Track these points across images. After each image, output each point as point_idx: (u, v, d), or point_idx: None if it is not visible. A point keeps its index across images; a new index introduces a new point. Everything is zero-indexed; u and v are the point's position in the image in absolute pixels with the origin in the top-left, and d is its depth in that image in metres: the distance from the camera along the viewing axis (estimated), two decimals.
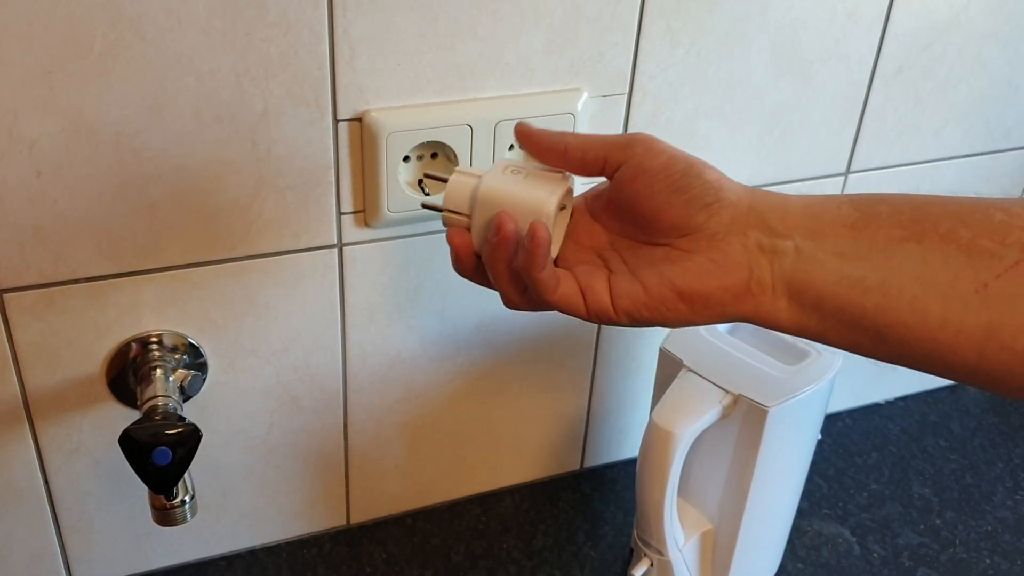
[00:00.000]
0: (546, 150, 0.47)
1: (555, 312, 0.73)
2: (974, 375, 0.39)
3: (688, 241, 0.43)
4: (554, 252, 0.47)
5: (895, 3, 0.69)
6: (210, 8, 0.52)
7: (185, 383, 0.62)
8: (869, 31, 0.70)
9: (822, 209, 0.42)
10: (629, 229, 0.46)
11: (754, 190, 0.44)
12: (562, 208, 0.47)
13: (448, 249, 0.49)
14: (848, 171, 0.76)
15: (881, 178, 0.78)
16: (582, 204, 0.49)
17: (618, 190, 0.46)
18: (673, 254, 0.44)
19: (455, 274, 0.54)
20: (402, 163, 0.60)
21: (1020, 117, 0.81)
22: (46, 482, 0.64)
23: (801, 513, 0.75)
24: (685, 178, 0.43)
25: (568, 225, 0.48)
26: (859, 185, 0.77)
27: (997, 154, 0.82)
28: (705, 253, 0.43)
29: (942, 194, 0.42)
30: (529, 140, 0.47)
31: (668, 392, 0.62)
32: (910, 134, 0.77)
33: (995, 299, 0.37)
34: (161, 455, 0.54)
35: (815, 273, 0.41)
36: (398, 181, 0.60)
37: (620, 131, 0.66)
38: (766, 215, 0.42)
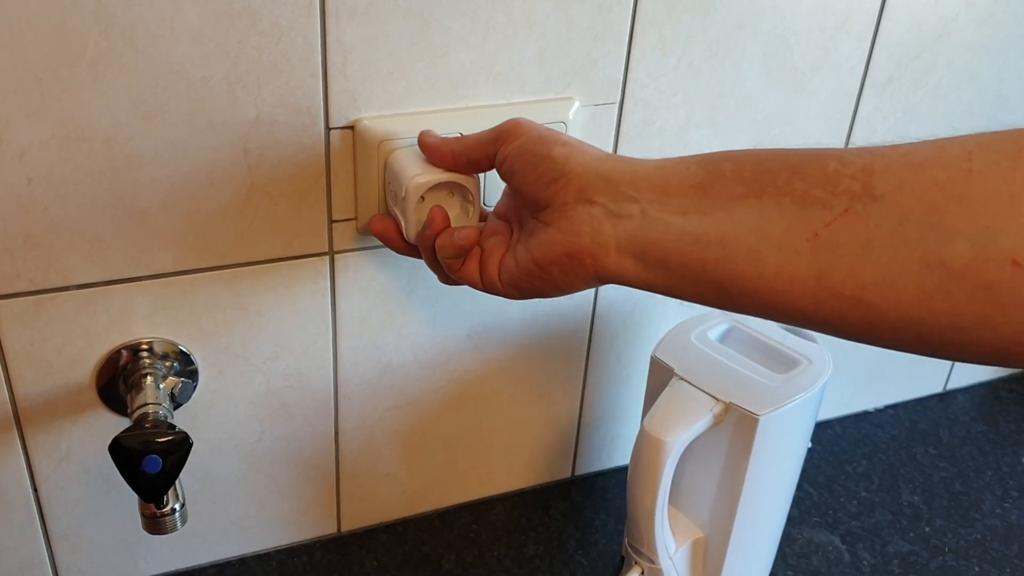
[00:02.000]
0: (440, 158, 0.54)
1: (547, 320, 0.73)
2: (811, 320, 0.40)
3: (546, 214, 0.48)
4: (409, 234, 0.56)
5: (885, 14, 0.70)
6: (202, 16, 0.52)
7: (176, 391, 0.62)
8: (859, 41, 0.70)
9: (671, 171, 0.44)
10: (519, 206, 0.52)
11: (610, 158, 0.47)
12: (451, 195, 0.56)
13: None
14: None
15: None
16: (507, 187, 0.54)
17: (502, 175, 0.51)
18: (535, 226, 0.49)
19: None
20: None
21: (1009, 127, 0.81)
22: (35, 490, 0.63)
23: (791, 521, 0.75)
24: (535, 157, 0.48)
25: (499, 204, 0.55)
26: None
27: None
28: (556, 224, 0.47)
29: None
30: (426, 150, 0.55)
31: (659, 400, 0.62)
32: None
33: (824, 247, 0.39)
34: (151, 463, 0.53)
35: (658, 231, 0.43)
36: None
37: (612, 139, 0.67)
38: (616, 180, 0.45)
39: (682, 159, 0.45)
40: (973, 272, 0.35)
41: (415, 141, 0.59)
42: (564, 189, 0.46)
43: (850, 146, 0.75)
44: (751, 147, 0.71)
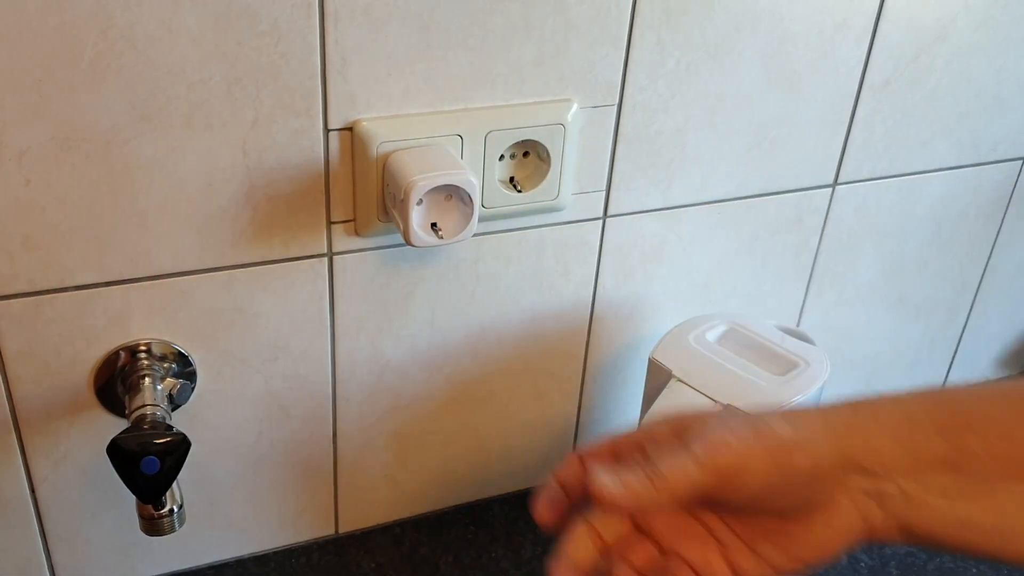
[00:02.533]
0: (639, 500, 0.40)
1: (544, 322, 0.73)
2: None
3: (801, 512, 0.42)
4: (407, 236, 0.53)
5: (883, 16, 0.70)
6: (201, 18, 0.52)
7: (174, 392, 0.62)
8: (857, 44, 0.70)
9: (913, 444, 0.40)
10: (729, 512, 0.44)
11: (829, 425, 0.41)
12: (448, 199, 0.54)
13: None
14: (836, 182, 0.77)
15: (868, 189, 0.78)
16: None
17: (722, 504, 0.42)
18: (788, 527, 0.42)
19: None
20: None
21: (1006, 130, 0.81)
22: (32, 491, 0.63)
23: None
24: (784, 483, 0.40)
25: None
26: (847, 196, 0.78)
27: (983, 166, 0.83)
28: (819, 519, 0.41)
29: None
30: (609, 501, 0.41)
31: (657, 402, 0.62)
32: (897, 146, 0.77)
33: None
34: (149, 464, 0.53)
35: (925, 516, 0.41)
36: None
37: (610, 142, 0.67)
38: (858, 459, 0.41)
39: (913, 421, 0.41)
40: None
41: (414, 143, 0.59)
42: (820, 490, 0.41)
43: (848, 150, 0.75)
44: (748, 149, 0.71)
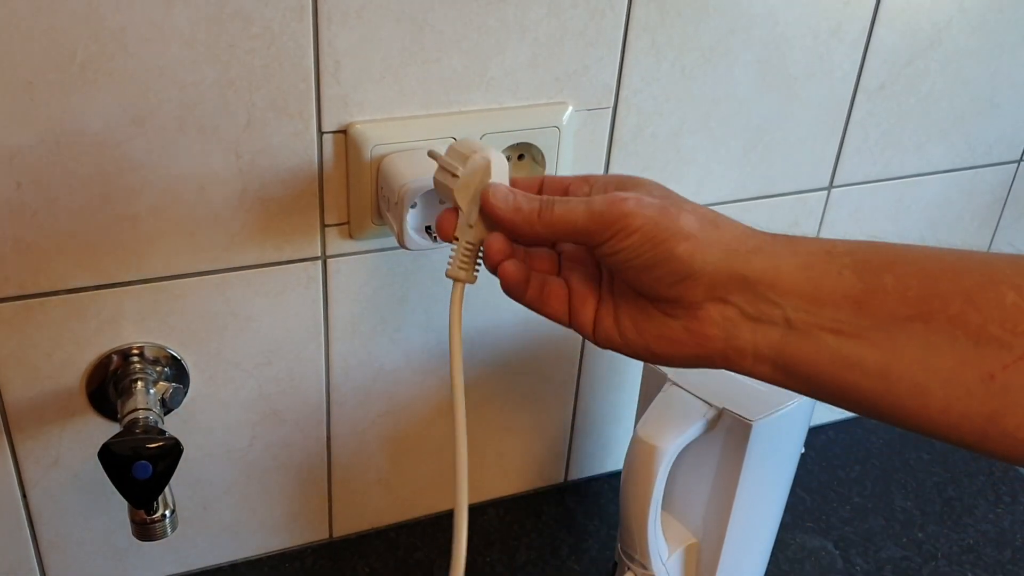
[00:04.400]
0: (517, 227, 0.45)
1: (539, 325, 0.73)
2: (971, 450, 0.38)
3: (668, 307, 0.42)
4: (401, 240, 0.52)
5: (878, 20, 0.70)
6: (193, 20, 0.51)
7: (166, 396, 0.61)
8: (853, 48, 0.70)
9: (821, 274, 0.39)
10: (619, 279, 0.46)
11: (745, 248, 0.41)
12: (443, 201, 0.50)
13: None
14: (831, 185, 0.77)
15: (864, 192, 0.78)
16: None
17: (607, 267, 0.46)
18: (652, 311, 0.43)
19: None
20: None
21: (1000, 133, 0.81)
22: (24, 496, 0.63)
23: (784, 526, 0.75)
24: (654, 259, 0.41)
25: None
26: (842, 200, 0.78)
27: (978, 169, 0.83)
28: (682, 320, 0.42)
29: (940, 246, 0.39)
30: (499, 214, 0.45)
31: (652, 406, 0.62)
32: (892, 149, 0.77)
33: (1000, 390, 0.36)
34: (141, 469, 0.53)
35: (808, 349, 0.39)
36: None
37: (605, 145, 0.66)
38: (753, 280, 0.40)
39: (831, 255, 0.39)
40: None
41: (408, 146, 0.59)
42: (692, 289, 0.41)
43: (843, 154, 0.75)
44: (743, 153, 0.71)
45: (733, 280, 0.40)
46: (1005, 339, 0.36)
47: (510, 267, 0.45)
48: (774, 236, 0.42)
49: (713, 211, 0.43)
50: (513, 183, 0.48)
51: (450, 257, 0.48)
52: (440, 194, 0.49)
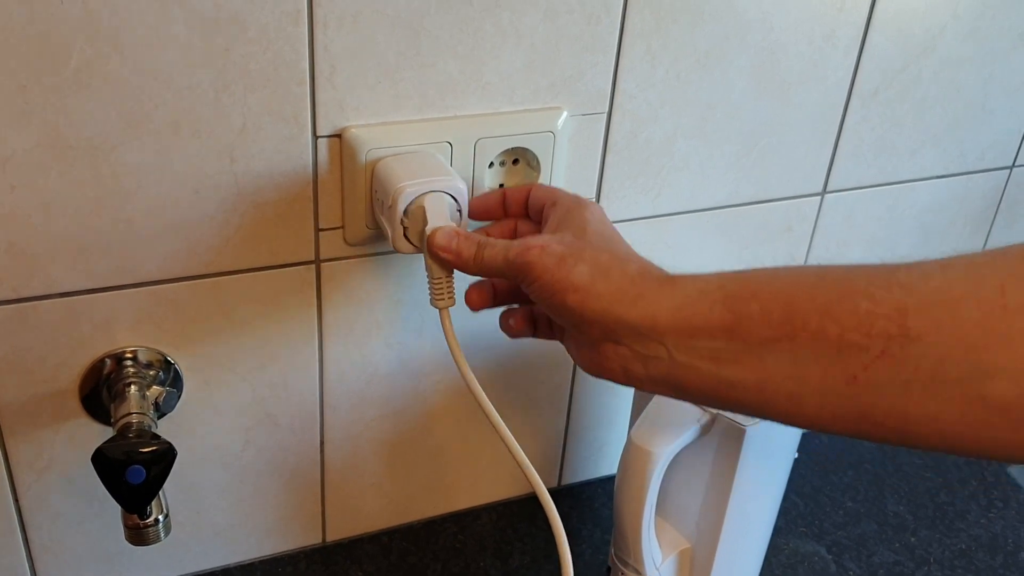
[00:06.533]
0: (460, 259, 0.53)
1: None
2: (855, 438, 0.42)
3: (576, 335, 0.49)
4: (394, 243, 0.58)
5: (872, 26, 0.70)
6: (189, 24, 0.51)
7: (160, 400, 0.61)
8: (846, 54, 0.71)
9: (693, 312, 0.43)
10: None
11: (627, 294, 0.45)
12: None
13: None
14: (825, 191, 0.77)
15: (857, 197, 0.79)
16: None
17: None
18: (573, 337, 0.50)
19: None
20: None
21: (993, 139, 0.82)
22: (16, 500, 0.63)
23: (778, 531, 0.75)
24: (551, 307, 0.48)
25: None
26: (836, 205, 0.78)
27: (971, 175, 0.83)
28: (587, 350, 0.48)
29: (829, 263, 0.43)
30: (442, 249, 0.54)
31: (646, 411, 0.62)
32: (886, 155, 0.78)
33: (864, 389, 0.39)
34: (135, 473, 0.53)
35: (692, 377, 0.44)
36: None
37: (600, 150, 0.67)
38: (636, 325, 0.45)
39: (704, 293, 0.44)
40: (1017, 407, 0.36)
41: (402, 150, 0.59)
42: (587, 331, 0.47)
43: (837, 159, 0.75)
44: (737, 158, 0.71)
45: (620, 325, 0.45)
46: (862, 343, 0.38)
47: (472, 294, 0.56)
48: (660, 280, 0.46)
49: (614, 255, 0.48)
50: (484, 198, 0.59)
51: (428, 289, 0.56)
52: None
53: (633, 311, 0.45)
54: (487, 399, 0.57)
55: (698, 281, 0.45)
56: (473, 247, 0.51)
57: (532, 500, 0.82)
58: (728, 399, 0.43)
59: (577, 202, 0.54)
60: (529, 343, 0.73)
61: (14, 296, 0.56)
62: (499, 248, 0.50)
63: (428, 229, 0.55)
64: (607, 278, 0.46)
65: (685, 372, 0.44)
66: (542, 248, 0.48)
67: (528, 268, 0.48)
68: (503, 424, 0.58)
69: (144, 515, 0.56)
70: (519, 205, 0.59)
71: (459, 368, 0.57)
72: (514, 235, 0.59)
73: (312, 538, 0.76)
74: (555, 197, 0.56)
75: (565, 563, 0.57)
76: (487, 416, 0.57)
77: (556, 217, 0.54)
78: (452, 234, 0.53)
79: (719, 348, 0.42)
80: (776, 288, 0.42)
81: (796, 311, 0.40)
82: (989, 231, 0.89)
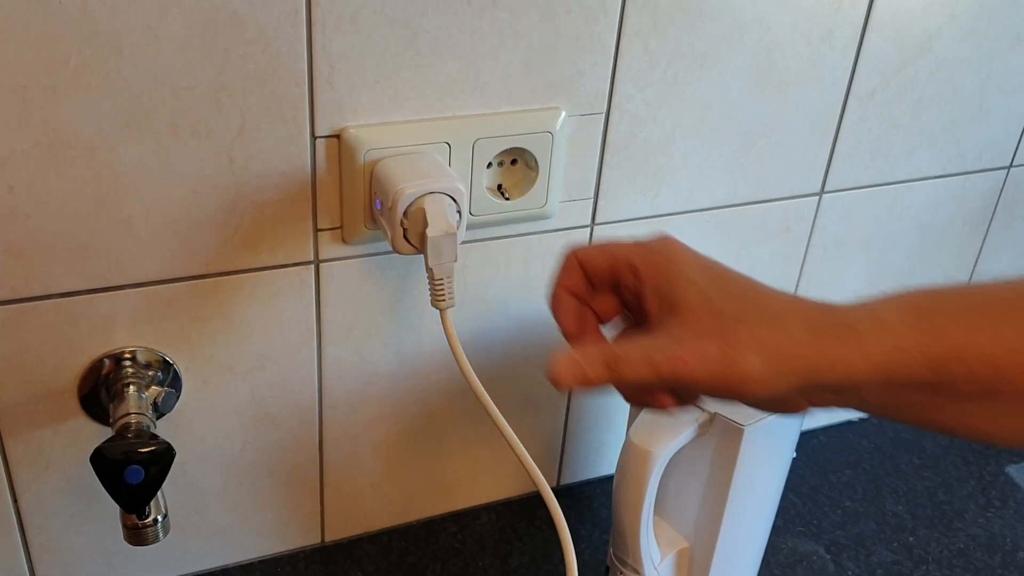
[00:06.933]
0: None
1: (532, 330, 0.73)
2: None
3: None
4: (394, 244, 0.57)
5: (869, 27, 0.70)
6: (188, 24, 0.52)
7: (159, 400, 0.61)
8: (844, 54, 0.71)
9: (895, 372, 0.41)
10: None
11: (813, 369, 0.42)
12: None
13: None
14: (822, 191, 0.77)
15: (855, 198, 0.79)
16: None
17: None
18: None
19: None
20: None
21: (990, 140, 0.82)
22: (15, 500, 0.63)
23: (776, 530, 0.75)
24: (728, 399, 0.44)
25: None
26: (833, 205, 0.78)
27: (968, 175, 0.83)
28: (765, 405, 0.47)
29: (993, 283, 0.43)
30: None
31: (644, 410, 0.62)
32: (883, 155, 0.78)
33: None
34: (133, 473, 0.53)
35: (887, 413, 0.45)
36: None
37: (598, 150, 0.67)
38: (831, 386, 0.43)
39: (901, 351, 0.41)
40: None
41: (401, 150, 0.59)
42: (775, 407, 0.47)
43: (835, 159, 0.75)
44: (735, 158, 0.71)
45: (811, 388, 0.42)
46: None
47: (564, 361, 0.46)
48: (840, 334, 0.42)
49: (766, 318, 0.43)
50: (568, 312, 0.50)
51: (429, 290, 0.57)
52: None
53: (826, 375, 0.41)
54: (489, 398, 0.57)
55: (886, 332, 0.41)
56: (604, 370, 0.44)
57: (531, 500, 0.82)
58: (923, 423, 0.44)
59: (663, 261, 0.46)
60: (528, 343, 0.73)
61: (13, 296, 0.56)
62: (641, 367, 0.43)
63: (428, 231, 0.55)
64: (781, 356, 0.42)
65: (882, 411, 0.44)
66: (697, 357, 0.42)
67: (694, 383, 0.42)
68: (505, 422, 0.57)
69: (143, 515, 0.56)
70: (601, 279, 0.50)
71: (461, 368, 0.57)
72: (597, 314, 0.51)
73: (311, 538, 0.76)
74: (628, 260, 0.47)
75: (569, 560, 0.57)
76: (489, 415, 0.57)
77: (655, 295, 0.46)
78: (573, 363, 0.44)
79: (921, 400, 0.42)
80: (978, 346, 0.41)
81: (1000, 371, 0.40)
82: (986, 232, 0.89)
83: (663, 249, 0.47)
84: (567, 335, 0.50)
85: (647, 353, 0.43)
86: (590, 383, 0.44)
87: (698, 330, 0.43)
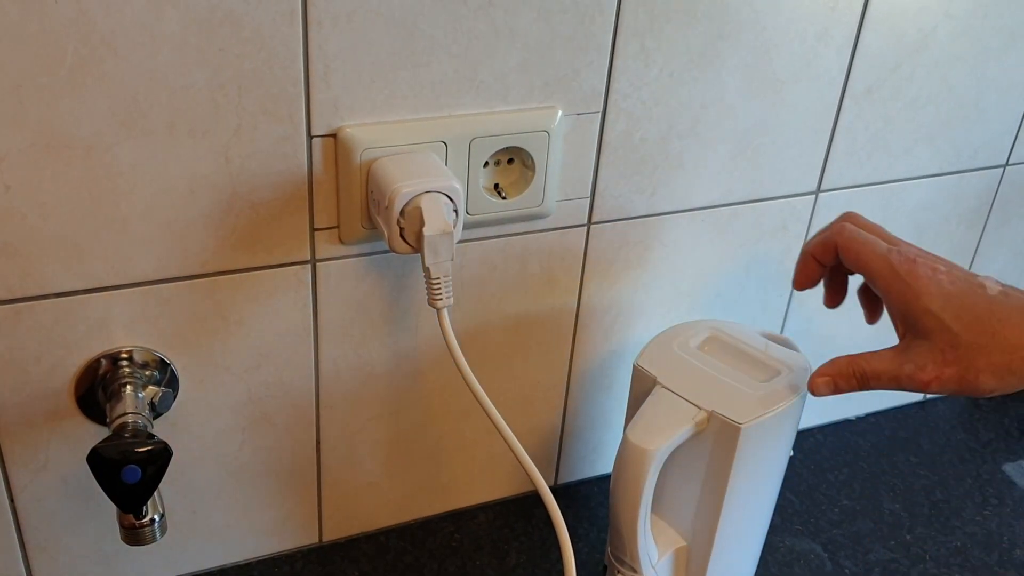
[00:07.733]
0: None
1: (529, 329, 0.73)
2: None
3: None
4: (391, 243, 0.58)
5: (865, 25, 0.70)
6: (184, 24, 0.52)
7: (155, 400, 0.61)
8: (839, 52, 0.71)
9: None
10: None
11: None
12: None
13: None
14: (819, 190, 0.77)
15: (851, 196, 0.79)
16: None
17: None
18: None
19: None
20: None
21: (986, 138, 0.82)
22: (11, 500, 0.63)
23: (773, 529, 0.75)
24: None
25: None
26: (830, 204, 0.78)
27: (964, 174, 0.83)
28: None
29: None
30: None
31: (642, 409, 0.62)
32: (880, 153, 0.78)
33: None
34: (130, 473, 0.53)
35: None
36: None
37: (595, 149, 0.67)
38: None
39: None
40: None
41: (398, 149, 0.59)
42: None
43: (831, 158, 0.76)
44: (731, 157, 0.71)
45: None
46: None
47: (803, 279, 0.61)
48: None
49: (989, 329, 0.51)
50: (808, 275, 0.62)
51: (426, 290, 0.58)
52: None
53: None
54: (486, 397, 0.57)
55: None
56: (856, 384, 0.56)
57: (529, 499, 0.82)
58: None
59: (905, 288, 0.54)
60: (527, 344, 0.73)
61: (9, 296, 0.56)
62: (887, 383, 0.54)
63: (425, 230, 0.55)
64: (1011, 371, 0.50)
65: None
66: (938, 382, 0.52)
67: (938, 391, 0.52)
68: (503, 422, 0.57)
69: (140, 515, 0.56)
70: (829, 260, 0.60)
71: (458, 367, 0.57)
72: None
73: (309, 538, 0.76)
74: (872, 276, 0.56)
75: (567, 559, 0.57)
76: (487, 414, 0.57)
77: (899, 319, 0.55)
78: (831, 384, 0.57)
79: None
80: None
81: None
82: (983, 230, 0.89)
83: (906, 273, 0.54)
84: (795, 286, 0.62)
85: (895, 376, 0.54)
86: (842, 392, 0.57)
87: (939, 360, 0.52)
